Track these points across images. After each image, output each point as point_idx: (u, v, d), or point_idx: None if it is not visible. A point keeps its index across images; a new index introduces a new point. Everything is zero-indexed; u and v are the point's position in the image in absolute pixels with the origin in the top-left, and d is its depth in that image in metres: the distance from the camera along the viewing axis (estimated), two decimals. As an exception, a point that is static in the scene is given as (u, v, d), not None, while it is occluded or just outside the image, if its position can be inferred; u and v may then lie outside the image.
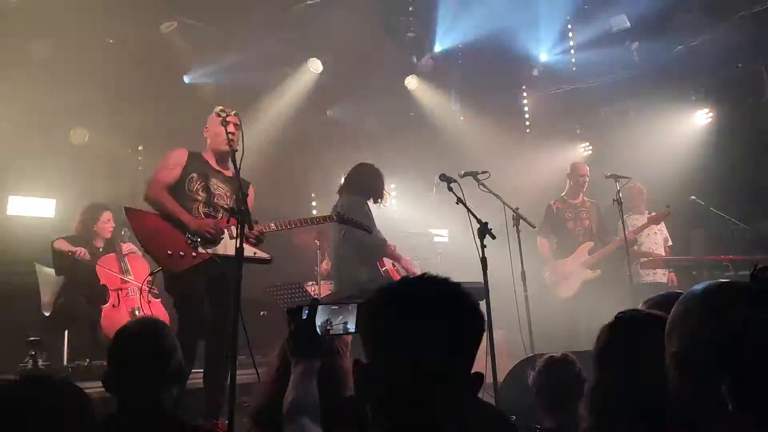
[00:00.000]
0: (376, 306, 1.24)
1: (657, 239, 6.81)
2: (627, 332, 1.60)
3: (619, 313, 1.67)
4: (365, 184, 5.38)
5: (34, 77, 6.38)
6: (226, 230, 4.12)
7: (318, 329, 1.74)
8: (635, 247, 6.51)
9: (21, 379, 1.26)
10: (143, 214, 4.11)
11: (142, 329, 2.18)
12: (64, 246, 5.99)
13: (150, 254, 4.10)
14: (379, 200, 5.40)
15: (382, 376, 1.19)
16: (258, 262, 4.17)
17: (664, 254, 6.74)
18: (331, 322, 1.75)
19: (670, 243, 6.91)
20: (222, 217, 4.18)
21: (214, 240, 4.09)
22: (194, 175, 4.23)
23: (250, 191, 4.42)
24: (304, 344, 1.72)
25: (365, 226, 4.80)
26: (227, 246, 4.05)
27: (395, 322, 1.20)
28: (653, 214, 6.56)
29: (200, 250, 4.03)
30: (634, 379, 1.50)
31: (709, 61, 7.65)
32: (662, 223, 6.78)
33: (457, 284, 1.27)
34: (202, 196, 4.22)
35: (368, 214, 5.20)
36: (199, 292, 4.08)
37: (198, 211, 4.18)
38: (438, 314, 1.19)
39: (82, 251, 5.99)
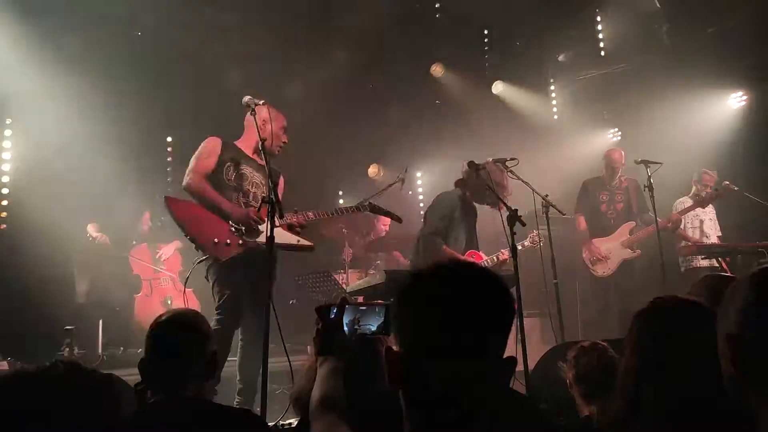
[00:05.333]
0: (405, 292, 1.24)
1: (714, 226, 6.74)
2: (664, 318, 1.56)
3: (656, 298, 1.64)
4: (464, 182, 5.30)
5: (67, 69, 6.47)
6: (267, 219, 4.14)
7: (345, 328, 1.74)
8: (683, 229, 6.48)
9: (50, 366, 1.28)
10: (185, 203, 4.11)
11: (179, 319, 2.18)
12: (91, 229, 6.15)
13: (195, 243, 4.06)
14: (489, 204, 5.19)
15: (413, 365, 1.19)
16: (302, 250, 4.23)
17: (717, 243, 6.64)
18: (358, 322, 1.75)
19: (719, 233, 6.83)
20: (260, 207, 4.14)
21: (254, 229, 4.11)
22: (230, 164, 4.24)
23: (281, 181, 4.47)
24: (331, 343, 1.72)
25: (394, 215, 4.78)
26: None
27: (423, 308, 1.20)
28: (699, 195, 6.46)
29: (245, 238, 4.08)
30: (671, 366, 1.47)
31: (743, 43, 7.46)
32: (714, 210, 6.74)
33: (485, 268, 1.26)
34: (239, 184, 4.24)
35: (448, 212, 5.16)
36: (239, 281, 4.10)
37: (237, 200, 4.20)
38: (467, 299, 1.18)
39: (100, 237, 6.15)
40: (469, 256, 5.31)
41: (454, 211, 5.19)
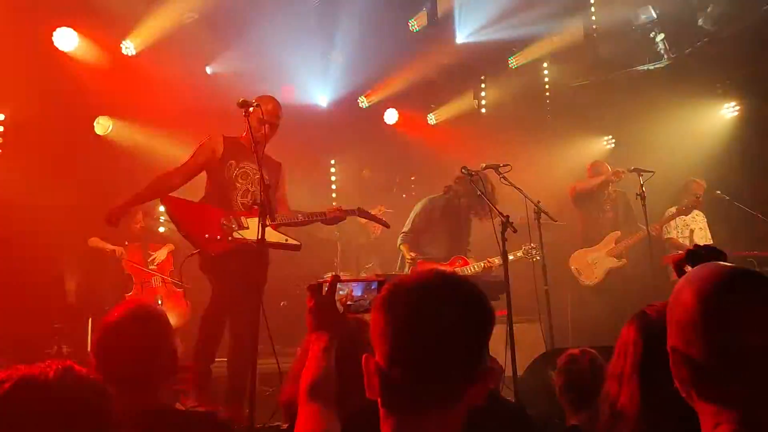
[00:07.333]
0: (381, 301, 1.22)
1: (705, 235, 6.81)
2: (650, 326, 1.54)
3: (648, 305, 1.61)
4: (451, 188, 5.57)
5: (59, 68, 6.45)
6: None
7: (338, 305, 1.71)
8: (675, 238, 6.58)
9: (51, 372, 1.26)
10: (178, 201, 4.30)
11: (131, 317, 1.99)
12: (100, 244, 6.14)
13: (188, 239, 4.25)
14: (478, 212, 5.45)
15: (388, 373, 1.17)
16: (290, 249, 4.34)
17: None
18: (352, 298, 1.73)
19: (710, 242, 6.86)
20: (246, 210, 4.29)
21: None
22: (232, 162, 4.36)
23: (282, 172, 4.60)
24: (323, 319, 1.69)
25: (381, 220, 4.97)
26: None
27: (399, 318, 1.18)
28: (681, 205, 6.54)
29: (235, 235, 4.18)
30: (659, 376, 1.47)
31: (737, 53, 7.51)
32: (704, 220, 6.82)
33: (464, 278, 1.25)
34: (241, 183, 4.36)
35: (426, 212, 5.58)
36: (231, 273, 4.15)
37: (237, 200, 4.32)
38: (444, 309, 1.16)
39: (119, 250, 6.15)
40: (454, 261, 5.37)
41: (433, 213, 5.53)
